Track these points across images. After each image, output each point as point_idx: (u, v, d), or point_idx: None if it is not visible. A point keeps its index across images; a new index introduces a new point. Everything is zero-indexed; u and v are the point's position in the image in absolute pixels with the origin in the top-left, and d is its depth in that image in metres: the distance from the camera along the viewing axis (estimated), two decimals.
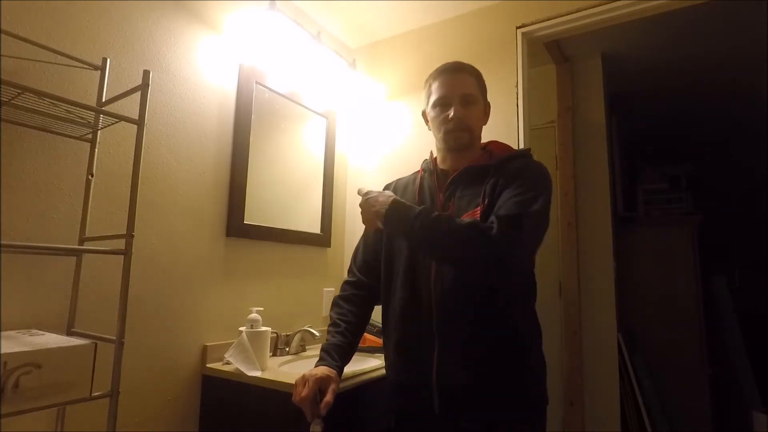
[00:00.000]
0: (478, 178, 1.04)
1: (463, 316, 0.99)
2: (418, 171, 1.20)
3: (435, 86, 1.11)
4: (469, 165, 1.08)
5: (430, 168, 1.16)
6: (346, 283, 1.22)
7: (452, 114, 1.06)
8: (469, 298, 0.99)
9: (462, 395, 0.98)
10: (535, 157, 1.11)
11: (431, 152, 1.21)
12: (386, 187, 1.22)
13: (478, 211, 0.98)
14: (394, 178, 1.27)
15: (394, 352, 1.10)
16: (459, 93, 1.07)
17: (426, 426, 1.02)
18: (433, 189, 1.11)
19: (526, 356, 1.01)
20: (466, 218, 0.95)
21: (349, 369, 1.35)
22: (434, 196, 1.10)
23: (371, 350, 1.61)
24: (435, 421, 1.00)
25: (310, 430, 0.95)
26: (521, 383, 0.99)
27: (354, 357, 1.61)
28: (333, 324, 1.13)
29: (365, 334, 1.62)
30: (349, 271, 1.24)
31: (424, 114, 1.18)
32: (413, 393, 1.04)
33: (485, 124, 1.14)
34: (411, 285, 1.06)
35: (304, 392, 0.95)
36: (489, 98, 1.16)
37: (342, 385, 1.20)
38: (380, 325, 1.16)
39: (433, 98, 1.11)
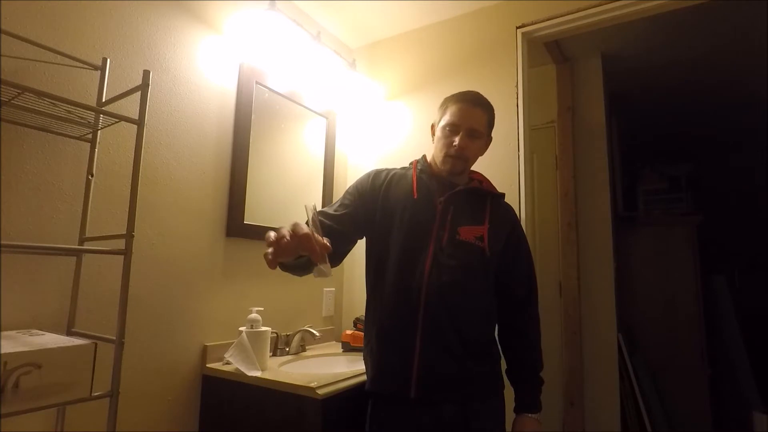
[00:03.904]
0: (476, 198, 1.20)
1: (450, 310, 1.08)
2: (411, 168, 1.25)
3: (451, 111, 1.18)
4: (474, 186, 1.21)
5: (428, 170, 1.22)
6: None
7: (457, 142, 1.15)
8: (460, 295, 1.10)
9: (440, 383, 1.06)
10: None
11: (424, 156, 1.28)
12: (378, 173, 1.25)
13: (483, 229, 1.15)
14: None
15: (375, 338, 1.14)
16: (468, 125, 1.16)
17: (404, 413, 1.07)
18: (432, 190, 1.18)
19: (494, 348, 1.18)
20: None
21: (349, 369, 1.35)
22: (433, 197, 1.17)
23: None
24: (411, 407, 1.06)
25: (318, 270, 0.76)
26: (491, 370, 1.15)
27: (353, 357, 1.62)
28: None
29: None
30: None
31: (433, 127, 1.26)
32: (391, 379, 1.09)
33: (482, 155, 1.24)
34: (403, 273, 1.11)
35: (302, 231, 0.74)
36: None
37: (343, 384, 1.20)
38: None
39: (445, 120, 1.18)
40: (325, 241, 0.78)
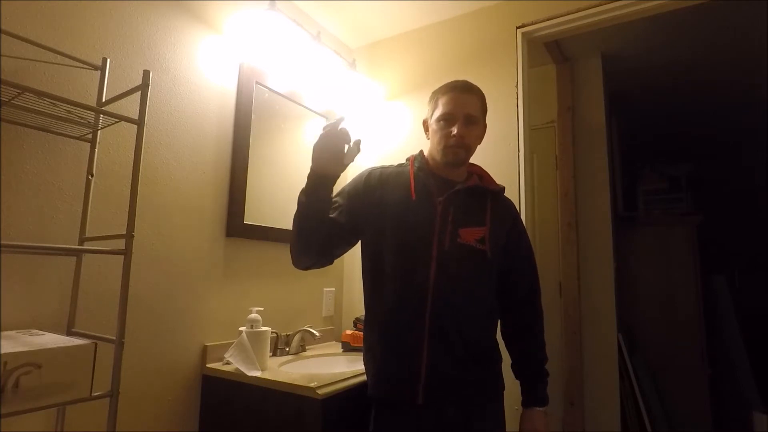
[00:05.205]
0: (476, 196, 1.17)
1: (453, 313, 1.07)
2: (408, 166, 1.20)
3: (443, 101, 1.15)
4: (474, 184, 1.17)
5: (425, 168, 1.18)
6: None
7: (455, 131, 1.11)
8: (463, 298, 1.09)
9: (448, 386, 1.06)
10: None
11: (421, 151, 1.24)
12: (372, 172, 1.21)
13: (484, 231, 1.13)
14: None
15: (378, 342, 1.12)
16: (464, 112, 1.12)
17: (408, 416, 1.06)
18: (431, 189, 1.14)
19: (495, 349, 1.16)
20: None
21: (349, 369, 1.35)
22: (432, 197, 1.13)
23: None
24: (417, 411, 1.05)
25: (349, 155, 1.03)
26: (494, 373, 1.15)
27: (353, 357, 1.63)
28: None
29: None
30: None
31: (425, 123, 1.23)
32: (396, 383, 1.08)
33: (480, 143, 1.21)
34: (406, 276, 1.09)
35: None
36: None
37: (343, 384, 1.20)
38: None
39: (438, 112, 1.15)
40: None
